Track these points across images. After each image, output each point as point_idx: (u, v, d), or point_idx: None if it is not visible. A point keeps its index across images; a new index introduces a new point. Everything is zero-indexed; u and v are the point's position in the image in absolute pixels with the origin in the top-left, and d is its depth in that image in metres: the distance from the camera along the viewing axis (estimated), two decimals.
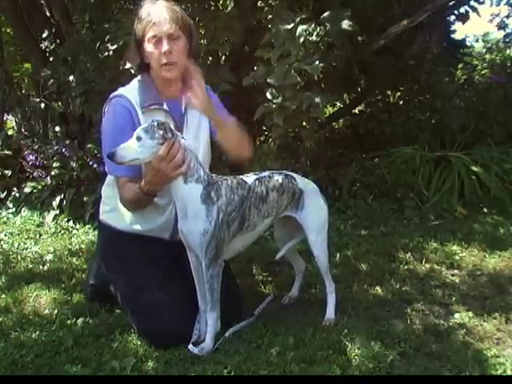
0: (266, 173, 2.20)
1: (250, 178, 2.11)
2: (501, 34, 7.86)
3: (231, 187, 2.01)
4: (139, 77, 2.20)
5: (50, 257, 3.09)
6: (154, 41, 2.04)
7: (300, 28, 3.18)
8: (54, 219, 3.77)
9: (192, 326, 2.09)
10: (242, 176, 2.13)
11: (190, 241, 2.00)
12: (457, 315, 2.33)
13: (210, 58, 4.13)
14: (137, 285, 2.14)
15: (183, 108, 2.19)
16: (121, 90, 2.16)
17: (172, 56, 2.05)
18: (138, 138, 1.86)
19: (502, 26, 7.74)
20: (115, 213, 2.23)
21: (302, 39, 3.15)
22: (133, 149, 1.86)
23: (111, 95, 2.17)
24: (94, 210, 3.64)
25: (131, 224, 2.20)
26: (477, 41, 8.70)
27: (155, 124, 1.88)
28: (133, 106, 2.10)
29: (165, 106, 2.14)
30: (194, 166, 1.94)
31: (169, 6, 2.08)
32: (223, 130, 2.18)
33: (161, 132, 1.86)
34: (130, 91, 2.14)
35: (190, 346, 1.99)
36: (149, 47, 2.06)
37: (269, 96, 3.27)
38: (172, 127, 1.92)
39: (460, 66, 5.80)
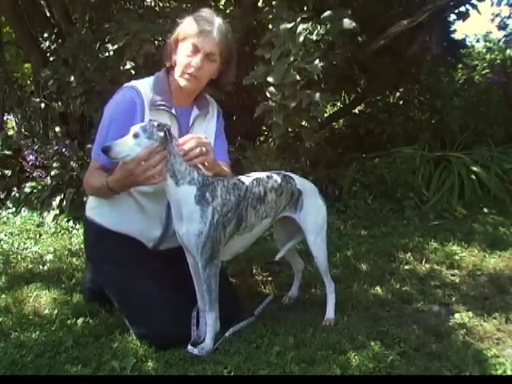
0: (265, 173, 2.18)
1: (247, 179, 2.10)
2: (501, 34, 7.87)
3: (227, 188, 1.99)
4: (158, 74, 2.16)
5: (50, 257, 3.09)
6: (192, 48, 2.03)
7: (300, 27, 3.17)
8: (53, 219, 3.77)
9: (188, 324, 2.08)
10: (240, 176, 2.12)
11: (186, 242, 1.99)
12: (457, 315, 2.33)
13: None
14: (126, 289, 2.11)
15: (191, 120, 2.19)
16: (135, 82, 2.13)
17: (199, 72, 2.04)
18: (136, 136, 1.83)
19: (502, 26, 7.74)
20: (102, 209, 2.19)
21: (302, 38, 3.15)
22: (128, 146, 1.82)
23: (125, 84, 2.14)
24: None
25: (119, 224, 2.17)
26: (478, 41, 8.71)
27: (155, 124, 1.86)
28: (142, 100, 2.07)
29: (173, 111, 2.12)
30: (185, 170, 1.90)
31: (223, 29, 2.07)
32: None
33: (160, 133, 1.85)
34: (144, 86, 2.11)
35: (190, 347, 1.98)
36: (185, 49, 2.04)
37: (268, 94, 3.27)
38: (172, 131, 1.90)
39: (460, 66, 5.80)
